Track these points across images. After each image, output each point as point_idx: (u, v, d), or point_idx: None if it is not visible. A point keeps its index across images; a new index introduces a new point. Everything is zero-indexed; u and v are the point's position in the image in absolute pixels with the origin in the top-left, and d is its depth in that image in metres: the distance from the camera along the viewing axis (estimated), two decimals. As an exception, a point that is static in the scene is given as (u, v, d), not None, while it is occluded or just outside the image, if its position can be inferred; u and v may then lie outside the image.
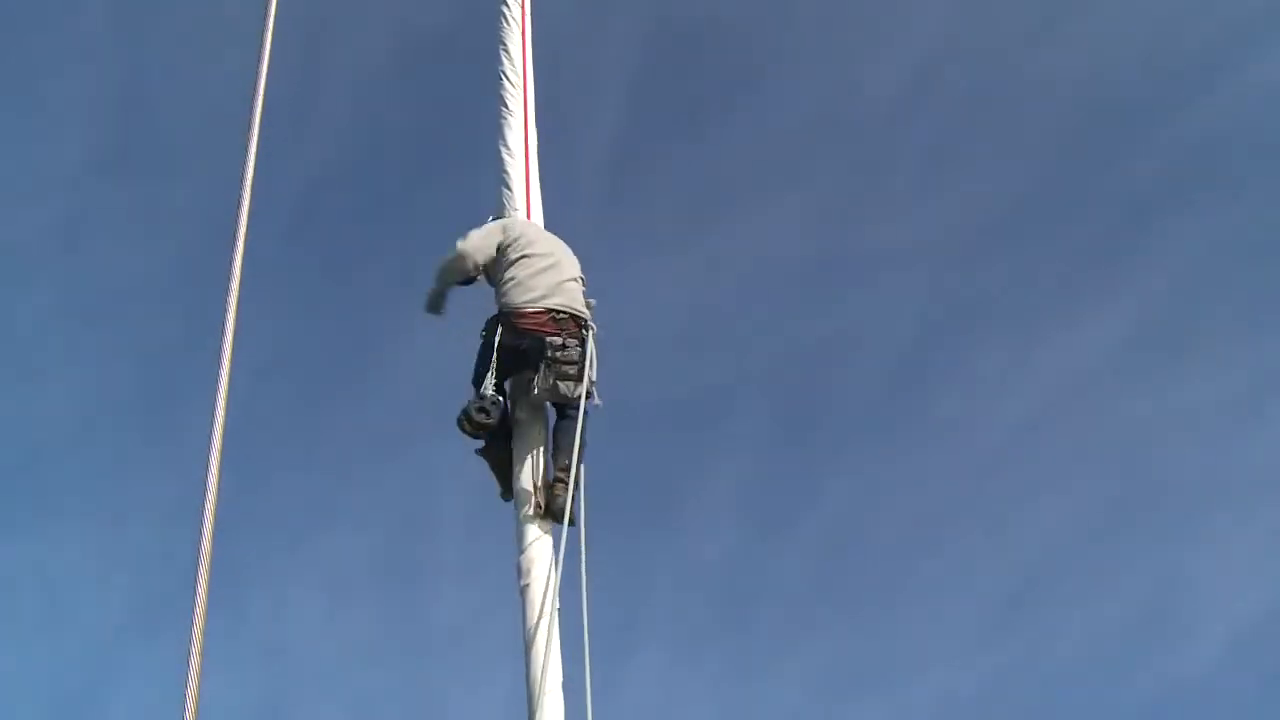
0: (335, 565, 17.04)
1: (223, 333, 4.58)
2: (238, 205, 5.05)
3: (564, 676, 4.54)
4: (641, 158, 20.46)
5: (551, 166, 6.25)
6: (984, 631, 16.45)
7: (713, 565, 16.97)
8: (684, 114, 19.53)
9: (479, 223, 5.71)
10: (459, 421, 5.17)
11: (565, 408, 5.27)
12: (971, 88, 18.94)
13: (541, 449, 5.23)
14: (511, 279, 5.40)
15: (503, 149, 6.21)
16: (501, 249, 5.53)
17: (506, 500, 5.32)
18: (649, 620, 15.58)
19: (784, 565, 17.27)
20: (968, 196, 19.15)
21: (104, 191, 18.52)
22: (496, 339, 5.24)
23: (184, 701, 3.63)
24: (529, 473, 5.12)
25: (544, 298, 5.31)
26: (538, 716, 4.43)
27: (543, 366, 5.17)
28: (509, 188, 6.07)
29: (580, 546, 4.85)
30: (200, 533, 4.01)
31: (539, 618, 4.65)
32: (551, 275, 5.41)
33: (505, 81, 6.49)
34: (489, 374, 5.20)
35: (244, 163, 5.16)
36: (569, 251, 5.66)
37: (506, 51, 6.62)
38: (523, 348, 5.24)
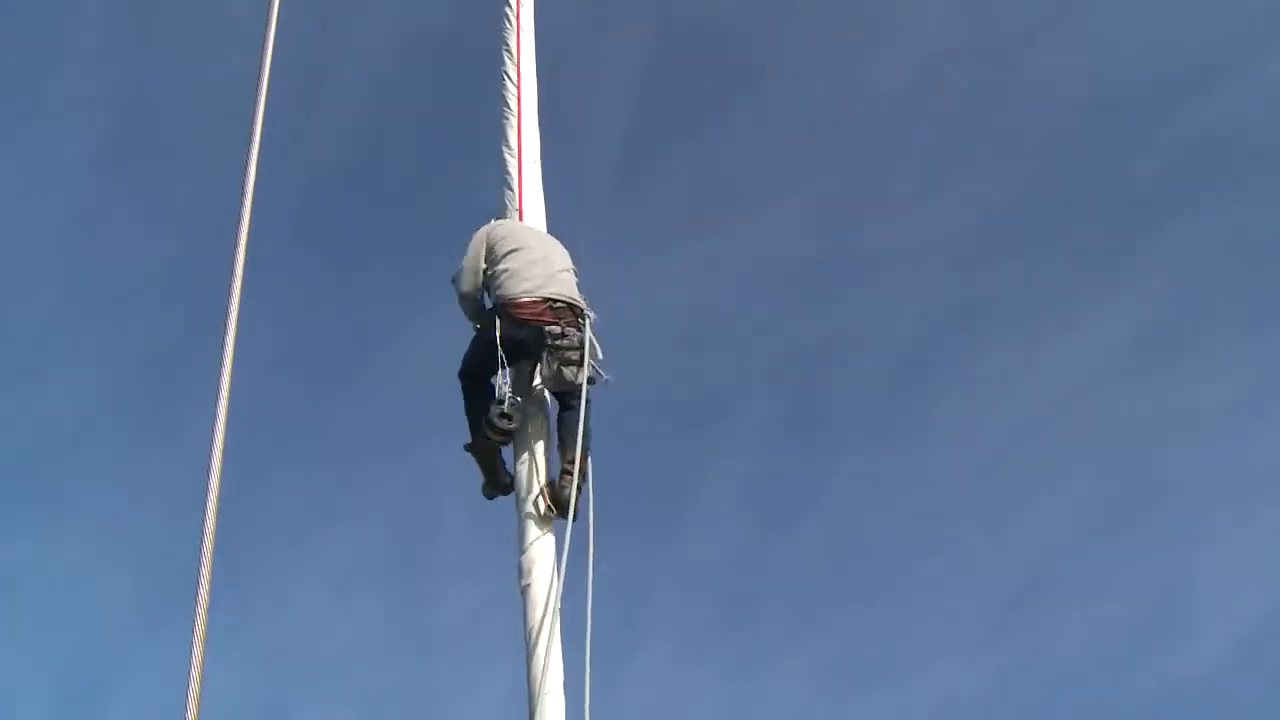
0: (337, 562, 17.04)
1: (225, 330, 4.59)
2: (240, 203, 5.07)
3: (564, 677, 4.52)
4: (643, 157, 20.43)
5: (553, 166, 6.24)
6: (985, 631, 16.45)
7: (715, 563, 16.97)
8: (685, 113, 19.55)
9: (480, 222, 5.68)
10: (483, 432, 5.11)
11: (568, 398, 5.18)
12: (972, 88, 18.95)
13: (543, 444, 5.17)
14: (505, 270, 5.34)
15: (504, 149, 6.19)
16: (490, 249, 5.49)
17: (489, 497, 5.29)
18: (651, 619, 15.59)
19: (786, 563, 17.27)
20: (968, 196, 19.14)
21: (107, 190, 18.56)
22: (498, 333, 5.14)
23: (186, 698, 3.63)
24: (530, 469, 5.06)
25: (540, 287, 5.27)
26: (538, 716, 4.42)
27: (545, 355, 5.12)
28: (510, 187, 6.04)
29: (587, 541, 4.78)
30: (202, 529, 4.02)
31: (540, 618, 4.63)
32: (544, 266, 5.37)
33: (507, 81, 6.48)
34: (500, 372, 5.13)
35: (246, 161, 5.18)
36: (558, 245, 5.63)
37: (509, 51, 6.61)
38: (521, 338, 5.16)
